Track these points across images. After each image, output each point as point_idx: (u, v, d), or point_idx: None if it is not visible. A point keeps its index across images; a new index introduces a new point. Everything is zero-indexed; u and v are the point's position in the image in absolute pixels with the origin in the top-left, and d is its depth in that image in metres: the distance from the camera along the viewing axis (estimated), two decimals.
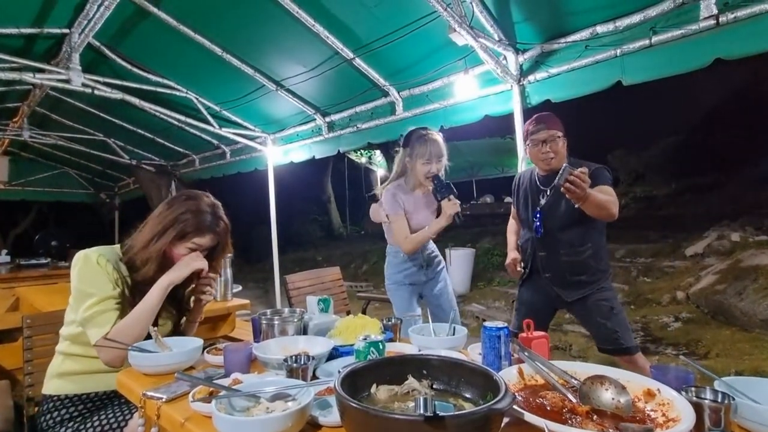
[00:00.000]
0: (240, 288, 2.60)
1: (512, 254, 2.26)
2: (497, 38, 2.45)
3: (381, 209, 2.27)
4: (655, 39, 2.07)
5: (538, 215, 2.03)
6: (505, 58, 2.57)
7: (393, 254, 2.34)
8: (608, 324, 1.96)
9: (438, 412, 0.68)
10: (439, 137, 2.19)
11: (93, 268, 1.38)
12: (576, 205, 1.73)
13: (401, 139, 2.29)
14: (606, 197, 1.79)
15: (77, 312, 1.36)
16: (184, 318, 1.65)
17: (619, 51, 2.19)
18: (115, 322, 1.35)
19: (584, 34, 2.29)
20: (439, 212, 2.16)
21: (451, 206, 2.04)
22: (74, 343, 1.42)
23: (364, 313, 3.50)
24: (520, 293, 2.25)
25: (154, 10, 2.95)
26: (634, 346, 1.95)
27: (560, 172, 1.63)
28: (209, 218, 1.47)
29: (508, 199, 12.57)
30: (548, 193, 2.03)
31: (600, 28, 2.22)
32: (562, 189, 1.63)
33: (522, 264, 2.18)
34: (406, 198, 2.21)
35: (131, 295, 1.44)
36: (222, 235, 1.51)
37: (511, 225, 2.39)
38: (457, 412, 0.77)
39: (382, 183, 2.38)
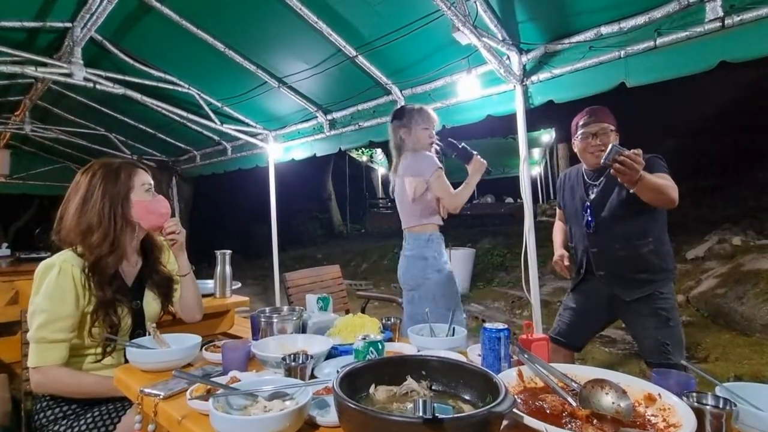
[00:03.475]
0: (239, 285, 2.59)
1: (559, 251, 2.14)
2: (501, 38, 2.43)
3: (411, 178, 2.12)
4: (659, 41, 2.05)
5: (588, 209, 1.93)
6: (508, 57, 2.56)
7: (437, 239, 2.13)
8: (659, 336, 1.79)
9: (437, 415, 0.67)
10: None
11: (59, 281, 1.36)
12: (631, 191, 1.60)
13: (392, 114, 2.32)
14: (663, 181, 1.66)
15: (30, 324, 1.34)
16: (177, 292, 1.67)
17: (623, 52, 2.17)
18: (60, 354, 1.32)
19: (588, 34, 2.27)
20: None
21: (481, 160, 2.13)
22: None
23: (363, 312, 3.49)
24: (567, 300, 2.11)
25: (157, 5, 2.94)
26: (683, 365, 1.73)
27: (607, 151, 1.50)
28: (124, 160, 1.57)
29: (509, 200, 12.53)
30: (598, 187, 1.93)
31: (604, 29, 2.20)
32: (611, 171, 1.51)
33: (573, 265, 2.05)
34: None
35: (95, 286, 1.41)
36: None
37: (558, 225, 2.28)
38: (456, 415, 0.76)
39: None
